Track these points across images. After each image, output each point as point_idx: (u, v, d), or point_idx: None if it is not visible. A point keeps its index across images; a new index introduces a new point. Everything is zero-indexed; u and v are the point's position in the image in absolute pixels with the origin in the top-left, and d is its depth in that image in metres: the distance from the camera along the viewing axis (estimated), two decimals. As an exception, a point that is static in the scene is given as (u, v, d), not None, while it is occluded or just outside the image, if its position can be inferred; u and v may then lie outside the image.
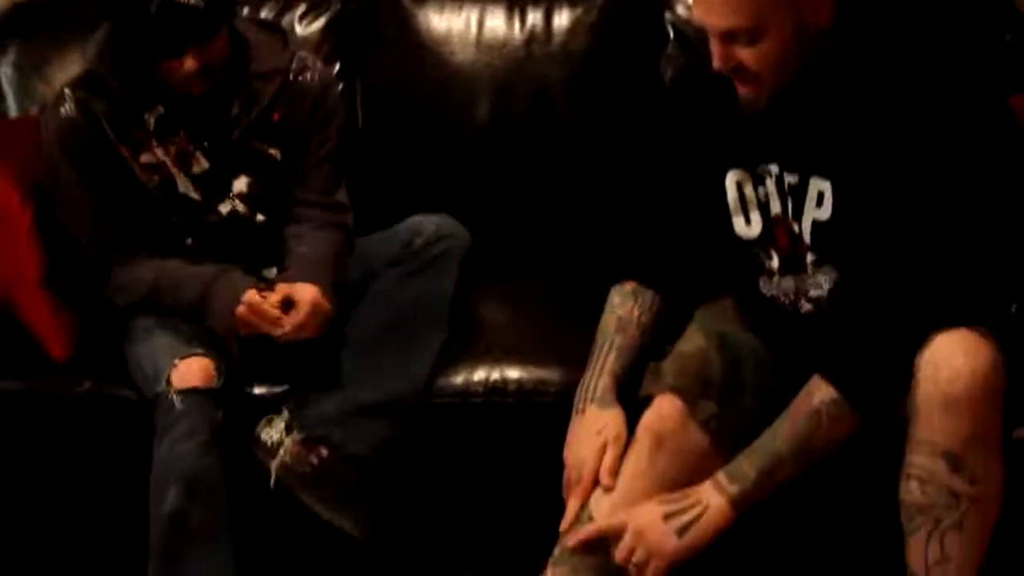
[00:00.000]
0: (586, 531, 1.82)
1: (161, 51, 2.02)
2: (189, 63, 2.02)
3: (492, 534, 2.27)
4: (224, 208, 2.17)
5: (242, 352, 2.11)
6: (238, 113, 2.14)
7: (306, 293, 2.07)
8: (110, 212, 2.15)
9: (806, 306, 1.91)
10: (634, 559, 1.78)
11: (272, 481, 2.04)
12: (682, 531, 1.77)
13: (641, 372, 1.97)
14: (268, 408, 2.12)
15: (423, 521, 2.25)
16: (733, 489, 1.78)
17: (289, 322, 2.06)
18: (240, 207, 2.18)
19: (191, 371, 2.03)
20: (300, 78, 2.19)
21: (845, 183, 1.79)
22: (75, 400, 2.19)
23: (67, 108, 2.12)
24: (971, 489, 1.71)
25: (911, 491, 1.75)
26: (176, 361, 2.04)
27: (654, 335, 1.98)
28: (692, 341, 1.99)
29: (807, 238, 1.85)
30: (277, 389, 2.17)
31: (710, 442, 1.89)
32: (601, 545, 1.82)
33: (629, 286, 1.99)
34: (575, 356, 2.02)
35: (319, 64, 2.26)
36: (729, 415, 1.91)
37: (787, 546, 2.25)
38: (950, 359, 1.69)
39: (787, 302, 1.92)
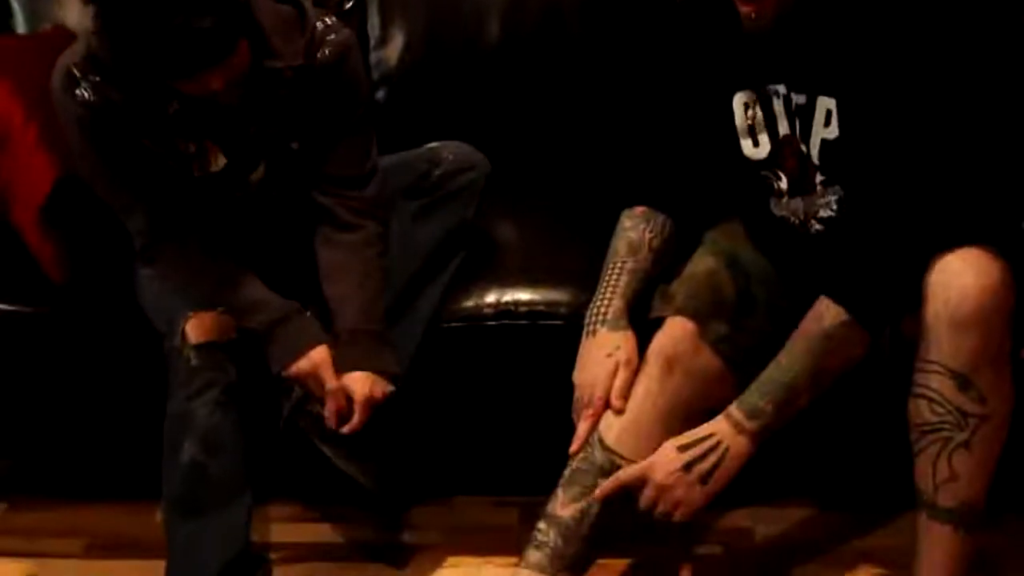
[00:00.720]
0: (607, 486, 1.81)
1: (176, 76, 1.82)
2: (213, 83, 1.83)
3: (503, 455, 2.28)
4: (239, 193, 2.08)
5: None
6: (253, 110, 1.99)
7: (360, 389, 1.97)
8: (141, 192, 2.02)
9: (816, 226, 1.90)
10: (658, 510, 1.79)
11: (281, 423, 2.04)
12: (705, 478, 1.77)
13: (651, 296, 1.97)
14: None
15: (435, 443, 2.27)
16: (753, 426, 1.78)
17: (346, 427, 1.97)
18: (255, 191, 2.08)
19: (207, 324, 1.99)
20: (318, 56, 2.00)
21: (851, 100, 1.78)
22: (73, 322, 2.20)
23: (83, 92, 1.92)
24: (980, 408, 1.72)
25: (920, 411, 1.75)
26: (190, 313, 2.00)
27: (665, 259, 1.98)
28: (702, 262, 1.98)
29: (816, 158, 1.84)
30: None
31: (721, 363, 1.90)
32: (611, 468, 1.83)
33: (640, 210, 1.97)
34: (586, 277, 2.01)
35: (334, 34, 2.02)
36: (740, 336, 1.91)
37: (795, 467, 2.26)
38: (960, 278, 1.69)
39: (797, 222, 1.91)
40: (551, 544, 1.83)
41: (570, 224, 2.33)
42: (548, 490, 1.88)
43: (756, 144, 1.90)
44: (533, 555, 1.84)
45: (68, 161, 2.14)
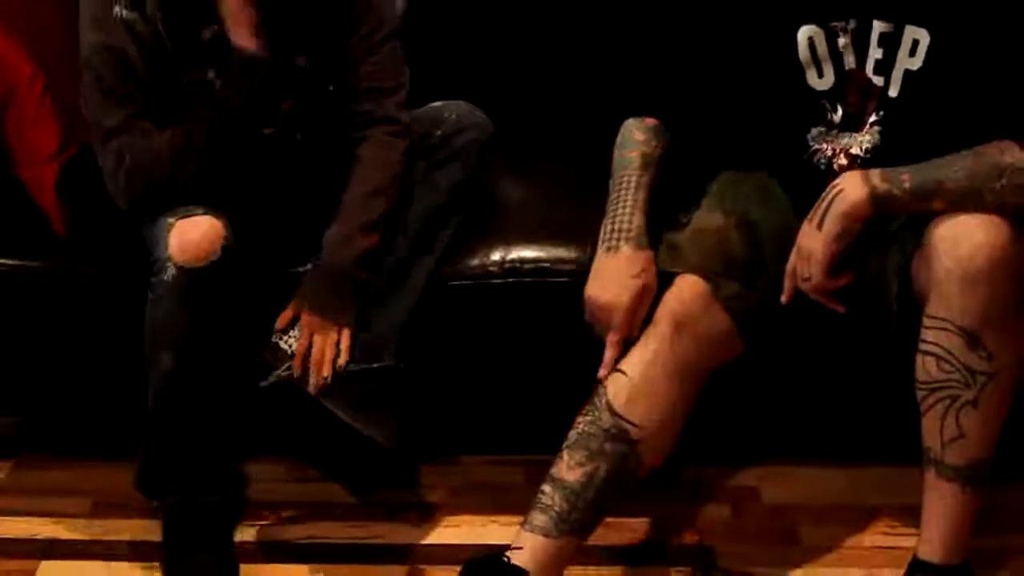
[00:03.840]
0: (790, 289, 1.83)
1: None
2: None
3: (509, 414, 2.28)
4: (267, 130, 2.06)
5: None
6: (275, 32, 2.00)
7: (306, 325, 2.04)
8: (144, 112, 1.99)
9: (841, 161, 1.89)
10: (801, 273, 1.80)
11: (269, 382, 2.05)
12: (821, 221, 1.77)
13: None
14: (288, 283, 2.10)
15: (440, 401, 2.26)
16: (881, 185, 1.75)
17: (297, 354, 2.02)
18: (283, 128, 2.07)
19: (190, 242, 1.92)
20: None
21: (944, 31, 1.76)
22: (78, 277, 2.19)
23: (121, 8, 1.93)
24: (988, 366, 1.71)
25: (927, 368, 1.75)
26: (173, 220, 1.93)
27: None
28: (711, 219, 1.97)
29: (895, 90, 1.82)
30: (300, 268, 2.13)
31: (731, 323, 1.88)
32: (619, 433, 1.82)
33: (651, 122, 1.97)
34: (592, 235, 1.99)
35: None
36: (750, 294, 1.89)
37: (802, 427, 2.26)
38: (970, 235, 1.69)
39: (827, 156, 1.90)
40: (556, 508, 1.82)
41: (576, 181, 2.31)
42: (554, 449, 1.87)
43: (820, 75, 1.88)
44: (537, 518, 1.83)
45: (75, 117, 2.13)
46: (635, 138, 1.96)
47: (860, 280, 1.82)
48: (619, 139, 1.98)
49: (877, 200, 1.75)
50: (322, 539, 2.14)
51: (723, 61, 1.93)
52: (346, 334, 2.04)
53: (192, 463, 2.02)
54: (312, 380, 2.03)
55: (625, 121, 2.00)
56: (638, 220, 1.90)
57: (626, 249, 1.88)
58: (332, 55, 2.07)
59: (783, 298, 1.84)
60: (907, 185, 1.74)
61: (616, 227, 1.90)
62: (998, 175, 1.72)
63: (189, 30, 1.96)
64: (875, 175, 1.76)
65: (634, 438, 1.82)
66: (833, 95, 1.88)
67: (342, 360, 2.03)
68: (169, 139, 1.99)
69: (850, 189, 1.76)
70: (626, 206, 1.91)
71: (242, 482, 2.11)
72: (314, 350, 2.03)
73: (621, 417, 1.82)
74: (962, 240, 1.68)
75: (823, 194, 1.79)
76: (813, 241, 1.78)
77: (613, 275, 1.88)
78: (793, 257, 1.82)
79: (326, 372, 2.03)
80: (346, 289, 2.06)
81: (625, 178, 1.93)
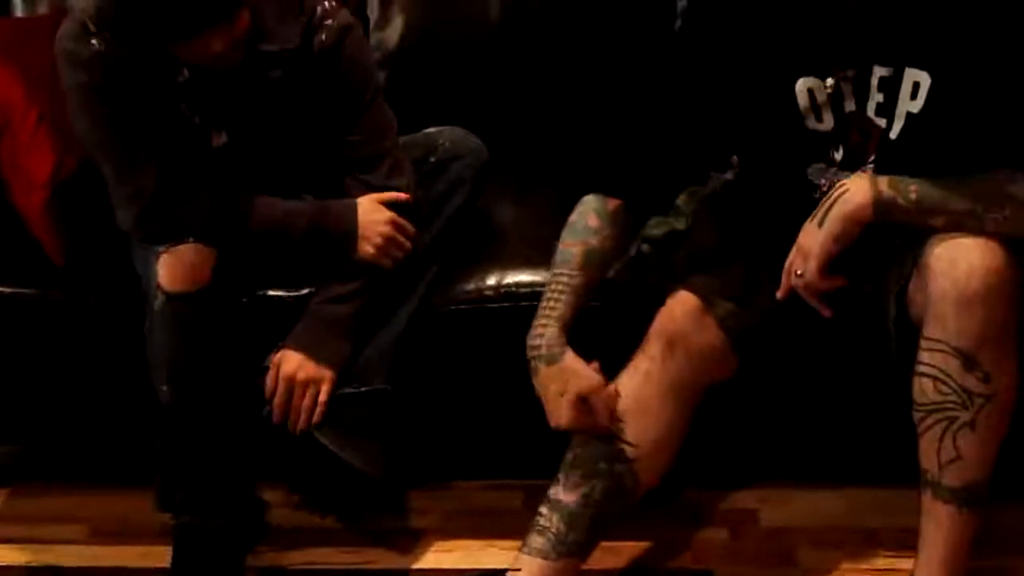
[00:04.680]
0: (785, 286, 1.80)
1: (182, 34, 1.82)
2: (216, 44, 1.82)
3: (506, 439, 2.28)
4: (246, 167, 2.06)
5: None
6: (251, 93, 1.99)
7: (287, 366, 2.02)
8: (149, 147, 1.98)
9: None
10: (796, 269, 1.78)
11: (265, 412, 2.04)
12: (822, 219, 1.76)
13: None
14: (285, 310, 2.11)
15: (436, 427, 2.26)
16: (887, 192, 1.74)
17: (271, 405, 2.02)
18: (264, 168, 2.08)
19: (178, 271, 1.94)
20: (316, 41, 2.00)
21: (944, 73, 1.76)
22: (74, 305, 2.19)
23: (96, 42, 1.91)
24: (985, 388, 1.71)
25: (924, 390, 1.74)
26: (162, 250, 1.95)
27: (610, 266, 1.91)
28: (710, 236, 1.97)
29: (895, 132, 1.81)
30: (295, 292, 2.15)
31: (725, 341, 1.87)
32: (614, 453, 1.83)
33: (613, 205, 1.88)
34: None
35: (331, 19, 2.02)
36: (744, 314, 1.89)
37: (800, 449, 2.26)
38: (966, 256, 1.69)
39: (823, 191, 1.86)
40: (553, 530, 1.83)
41: (570, 206, 2.30)
42: (551, 473, 1.87)
43: (820, 120, 1.85)
44: (535, 540, 1.84)
45: (69, 144, 2.15)
46: (587, 224, 1.87)
47: (855, 293, 1.81)
48: (573, 214, 1.89)
49: (880, 206, 1.74)
50: (321, 565, 2.14)
51: (718, 118, 1.88)
52: (324, 389, 2.03)
53: (200, 486, 2.04)
54: (290, 428, 2.04)
55: (585, 196, 1.91)
56: (550, 331, 1.83)
57: (541, 369, 1.83)
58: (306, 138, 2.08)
59: (778, 294, 1.82)
60: (913, 196, 1.73)
61: (533, 344, 1.85)
62: (1002, 203, 1.72)
63: (165, 71, 1.95)
64: (883, 181, 1.75)
65: (630, 457, 1.83)
66: (834, 137, 1.86)
67: (316, 418, 2.03)
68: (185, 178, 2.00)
69: (855, 191, 1.75)
70: (549, 316, 1.85)
71: (258, 509, 2.10)
72: (293, 402, 2.02)
73: (616, 437, 1.83)
74: (958, 261, 1.68)
75: (828, 193, 1.78)
76: (812, 239, 1.77)
77: (546, 399, 1.84)
78: (792, 254, 1.80)
79: (302, 427, 2.03)
80: (339, 331, 2.06)
81: (558, 279, 1.86)
